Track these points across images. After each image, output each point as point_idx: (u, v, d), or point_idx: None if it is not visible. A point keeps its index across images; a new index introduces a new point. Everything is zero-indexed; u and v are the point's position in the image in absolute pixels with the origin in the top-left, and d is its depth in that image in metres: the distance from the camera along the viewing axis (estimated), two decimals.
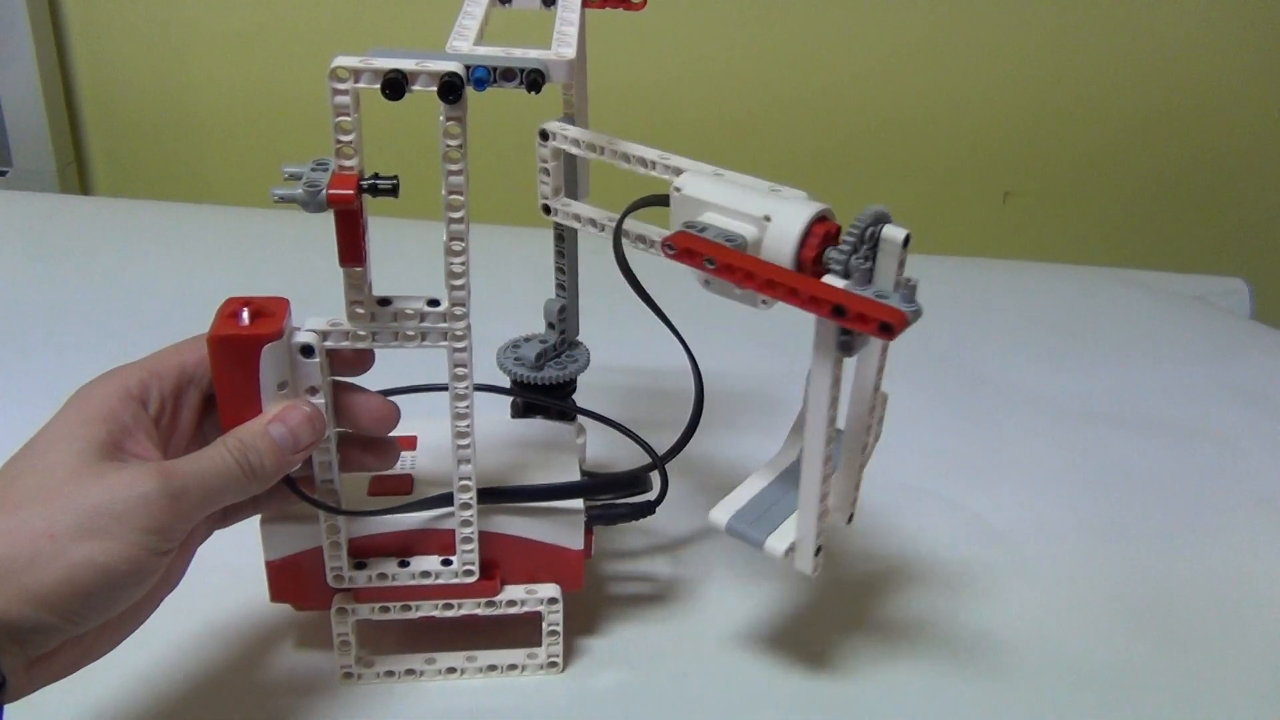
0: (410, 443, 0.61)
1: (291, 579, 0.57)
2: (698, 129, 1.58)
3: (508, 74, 0.47)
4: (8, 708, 0.42)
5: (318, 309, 0.52)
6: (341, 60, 0.45)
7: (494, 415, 0.66)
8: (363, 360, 0.53)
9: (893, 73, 1.61)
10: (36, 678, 0.45)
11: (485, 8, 0.55)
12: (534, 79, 0.47)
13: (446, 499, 0.56)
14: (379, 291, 0.51)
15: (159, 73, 1.64)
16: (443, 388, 0.54)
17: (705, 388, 0.57)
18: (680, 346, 0.57)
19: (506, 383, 0.68)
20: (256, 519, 0.56)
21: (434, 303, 0.51)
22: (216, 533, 0.54)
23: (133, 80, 1.65)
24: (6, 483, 0.45)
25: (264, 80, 1.62)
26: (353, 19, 1.54)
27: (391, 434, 0.55)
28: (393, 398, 0.55)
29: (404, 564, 0.57)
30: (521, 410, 0.70)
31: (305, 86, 1.56)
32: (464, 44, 0.49)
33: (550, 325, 0.70)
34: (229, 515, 0.54)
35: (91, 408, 0.47)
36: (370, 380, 0.54)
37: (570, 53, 0.49)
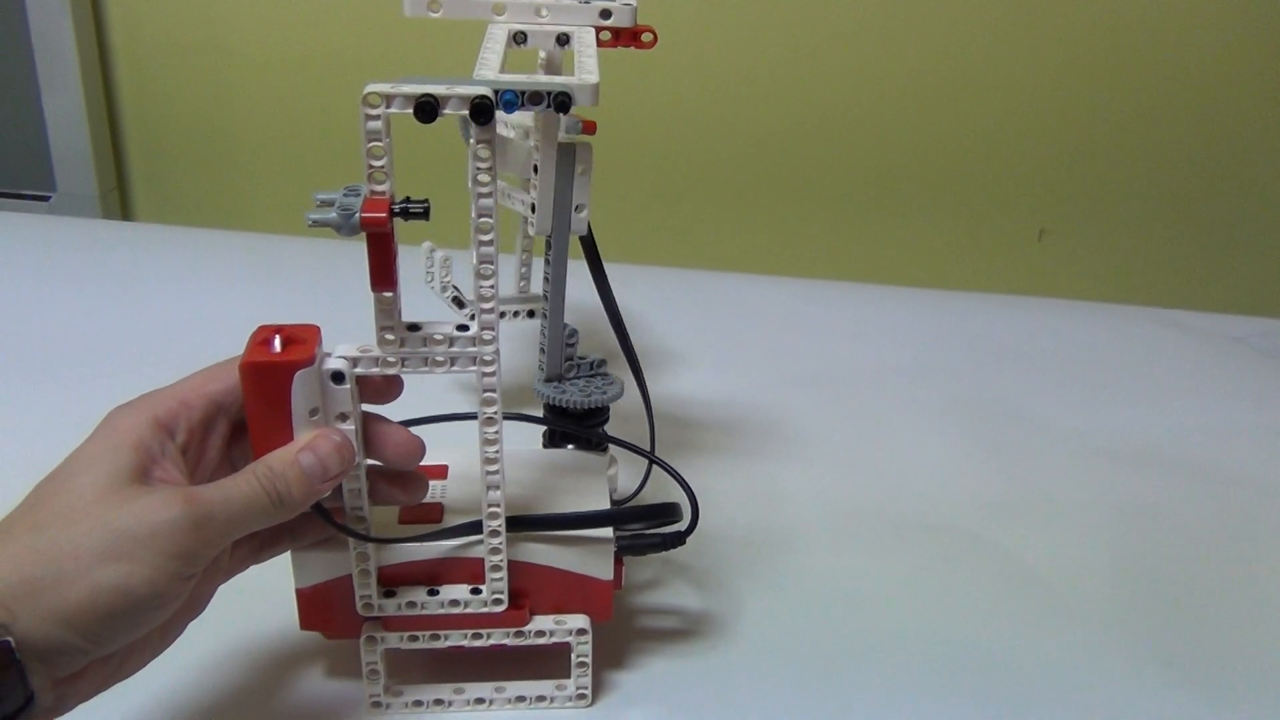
0: (441, 472, 0.61)
1: (321, 607, 0.57)
2: (723, 162, 1.58)
3: (535, 97, 0.48)
4: None
5: (347, 337, 0.52)
6: (373, 86, 0.46)
7: (525, 444, 0.65)
8: (391, 387, 0.53)
9: (927, 108, 1.61)
10: (64, 698, 0.45)
11: (503, 45, 0.55)
12: (562, 100, 0.48)
13: (475, 526, 0.56)
14: (407, 319, 0.51)
15: (201, 100, 1.67)
16: (470, 417, 0.54)
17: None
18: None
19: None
20: None
21: (463, 328, 0.51)
22: None
23: (175, 107, 1.68)
24: (36, 503, 0.45)
25: (303, 108, 1.65)
26: (391, 50, 1.56)
27: (422, 463, 0.55)
28: (422, 428, 0.55)
29: (433, 592, 0.57)
30: (552, 440, 0.70)
31: (344, 116, 1.58)
32: (490, 73, 0.50)
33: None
34: (264, 549, 0.54)
35: (120, 434, 0.47)
36: (399, 410, 0.54)
37: (594, 78, 0.49)
